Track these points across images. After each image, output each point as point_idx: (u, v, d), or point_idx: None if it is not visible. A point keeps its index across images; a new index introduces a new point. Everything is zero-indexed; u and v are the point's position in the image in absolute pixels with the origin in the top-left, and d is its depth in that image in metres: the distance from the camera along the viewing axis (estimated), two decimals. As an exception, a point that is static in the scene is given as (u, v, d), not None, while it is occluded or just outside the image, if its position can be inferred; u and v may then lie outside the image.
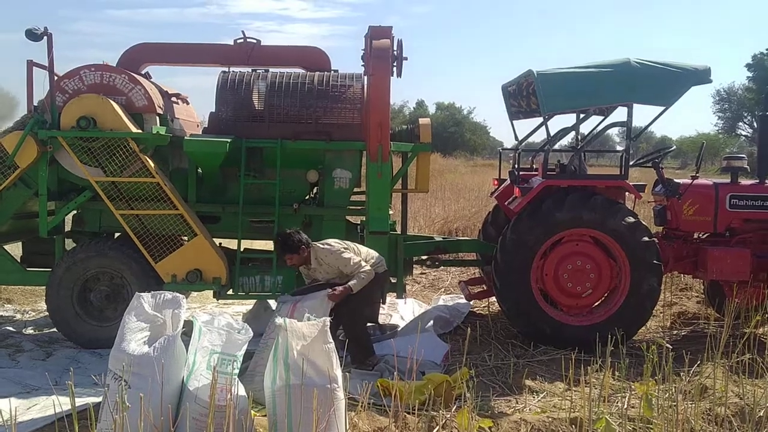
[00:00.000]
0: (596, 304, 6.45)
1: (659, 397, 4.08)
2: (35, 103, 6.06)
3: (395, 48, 6.15)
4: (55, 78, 6.00)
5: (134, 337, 3.72)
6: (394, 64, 6.14)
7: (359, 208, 6.65)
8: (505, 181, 7.24)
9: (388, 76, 6.01)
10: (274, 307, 6.00)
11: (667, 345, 4.35)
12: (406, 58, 6.23)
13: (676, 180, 6.85)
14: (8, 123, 6.38)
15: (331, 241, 5.63)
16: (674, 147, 8.12)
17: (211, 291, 6.35)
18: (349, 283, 5.37)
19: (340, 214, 6.47)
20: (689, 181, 6.70)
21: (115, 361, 3.64)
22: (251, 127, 6.36)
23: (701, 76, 6.24)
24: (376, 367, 5.51)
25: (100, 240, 6.26)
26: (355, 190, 6.67)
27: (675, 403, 3.91)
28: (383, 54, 5.98)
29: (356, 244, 5.73)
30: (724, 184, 6.74)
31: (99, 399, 4.04)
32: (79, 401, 4.09)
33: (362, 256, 5.60)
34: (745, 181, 6.94)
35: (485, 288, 7.22)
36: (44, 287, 6.16)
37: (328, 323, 3.78)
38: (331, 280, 5.54)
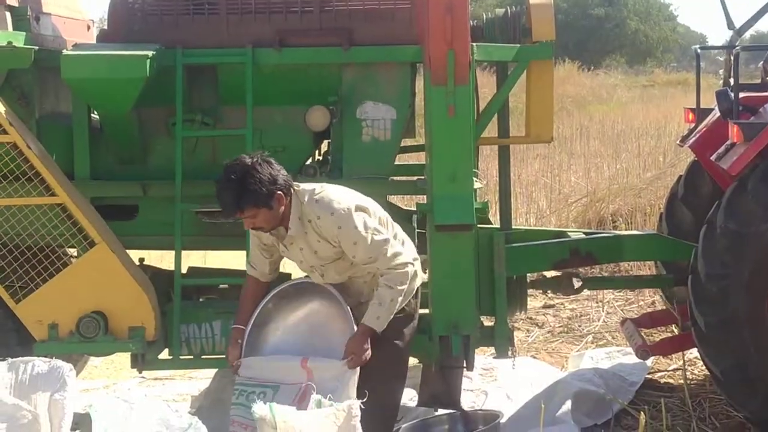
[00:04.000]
0: None
1: None
2: None
3: None
4: None
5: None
6: None
7: (413, 179, 6.68)
8: (710, 113, 7.15)
9: None
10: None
11: None
12: None
13: None
14: None
15: (343, 192, 5.48)
16: None
17: (128, 354, 6.41)
18: (370, 313, 5.27)
19: (377, 191, 6.43)
20: None
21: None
22: (192, 26, 6.45)
23: None
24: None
25: None
26: (404, 144, 6.67)
27: None
28: None
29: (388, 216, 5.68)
30: None
31: None
32: None
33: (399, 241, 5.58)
34: None
35: (677, 331, 7.15)
36: None
37: (358, 409, 3.78)
38: (326, 276, 5.51)
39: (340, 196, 5.29)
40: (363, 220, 5.21)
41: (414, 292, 5.48)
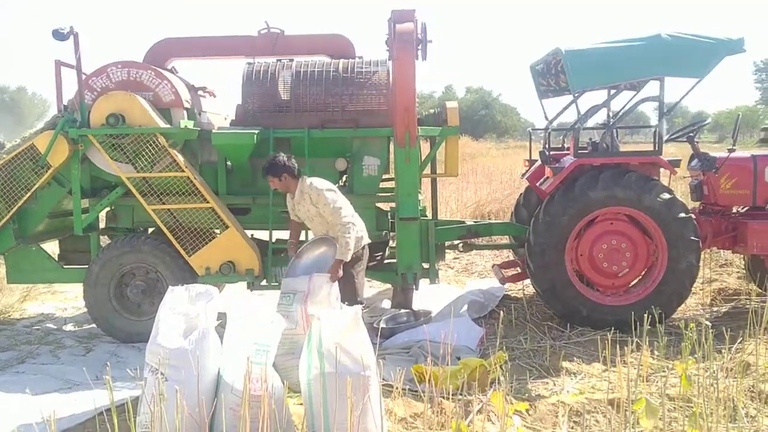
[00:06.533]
0: (633, 283, 6.37)
1: (700, 375, 4.01)
2: (65, 103, 6.16)
3: (419, 31, 6.10)
4: (83, 76, 6.08)
5: (169, 331, 3.76)
6: (419, 47, 6.11)
7: (389, 194, 6.64)
8: (536, 162, 7.17)
9: (413, 60, 5.98)
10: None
11: (707, 322, 4.27)
12: (430, 41, 6.20)
13: (711, 153, 6.70)
14: (39, 124, 6.47)
15: (324, 182, 5.46)
16: (709, 120, 7.98)
17: (245, 282, 6.40)
18: (338, 251, 5.26)
19: (370, 201, 6.46)
20: (726, 154, 6.55)
21: (152, 354, 3.69)
22: (278, 117, 6.38)
23: (734, 45, 6.07)
24: (411, 351, 5.51)
25: (133, 236, 6.34)
26: (384, 176, 6.66)
27: (716, 381, 3.84)
28: (407, 38, 5.95)
29: (348, 202, 5.54)
30: (762, 156, 6.57)
31: (137, 392, 4.11)
32: (118, 395, 4.17)
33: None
34: (784, 152, 6.76)
35: (519, 271, 7.18)
36: (81, 284, 6.28)
37: (360, 311, 3.78)
38: (316, 228, 5.53)
39: (321, 183, 5.39)
40: (331, 196, 5.31)
41: (361, 244, 5.44)
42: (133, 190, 6.04)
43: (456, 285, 8.20)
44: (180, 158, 6.03)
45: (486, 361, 4.73)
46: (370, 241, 5.66)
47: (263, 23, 6.71)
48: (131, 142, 5.94)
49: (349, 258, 5.28)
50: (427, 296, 7.20)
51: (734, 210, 6.83)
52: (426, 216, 6.71)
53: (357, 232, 5.37)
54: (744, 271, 7.65)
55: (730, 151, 6.52)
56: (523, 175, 7.46)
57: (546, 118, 7.34)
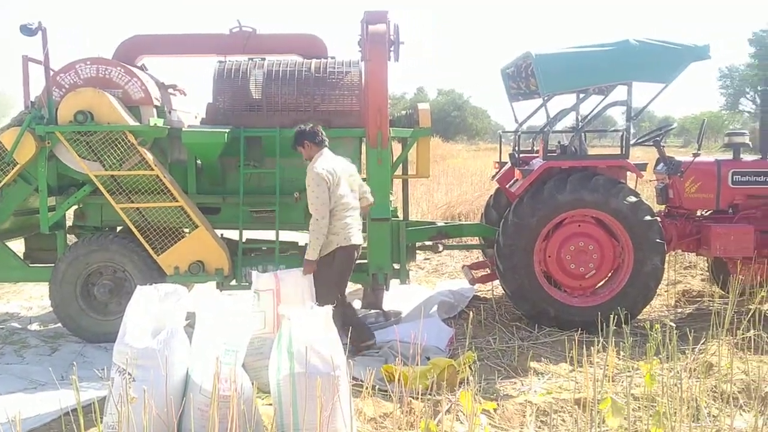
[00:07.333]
0: (600, 284, 6.45)
1: (664, 375, 4.08)
2: (32, 99, 6.05)
3: (392, 32, 6.11)
4: (51, 73, 5.98)
5: (137, 331, 3.73)
6: (391, 48, 6.12)
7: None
8: (506, 164, 7.23)
9: (385, 61, 5.99)
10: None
11: (671, 323, 4.35)
12: (402, 43, 6.20)
13: (677, 158, 6.82)
14: (5, 120, 6.36)
15: (323, 169, 5.24)
16: (675, 125, 8.09)
17: (215, 282, 6.34)
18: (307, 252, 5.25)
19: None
20: (691, 158, 6.67)
21: (119, 354, 3.65)
22: (249, 116, 6.34)
23: (700, 52, 6.19)
24: (381, 352, 5.52)
25: (101, 234, 6.25)
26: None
27: (680, 381, 3.91)
28: (379, 39, 5.95)
29: (348, 194, 5.41)
30: (726, 161, 6.71)
31: (104, 393, 4.06)
32: (85, 395, 4.10)
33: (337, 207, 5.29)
34: (747, 157, 6.90)
35: (489, 271, 7.22)
36: (47, 283, 6.17)
37: (331, 312, 3.78)
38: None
39: (322, 168, 5.25)
40: (316, 182, 5.19)
41: (332, 246, 5.29)
42: (101, 189, 5.95)
43: (426, 285, 8.22)
44: (149, 156, 5.96)
45: (455, 361, 4.76)
46: (357, 244, 5.47)
47: (235, 22, 6.69)
48: (100, 140, 5.86)
49: (313, 257, 5.23)
50: (397, 297, 7.22)
51: (698, 213, 6.95)
52: (397, 217, 6.72)
53: (341, 231, 5.27)
54: (707, 274, 7.80)
55: (695, 155, 6.64)
56: (493, 177, 7.52)
57: (516, 121, 7.41)
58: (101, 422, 3.49)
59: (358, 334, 5.44)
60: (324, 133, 5.49)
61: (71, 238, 6.62)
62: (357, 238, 5.43)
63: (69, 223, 6.68)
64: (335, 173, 5.27)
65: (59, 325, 6.35)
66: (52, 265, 6.19)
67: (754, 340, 5.08)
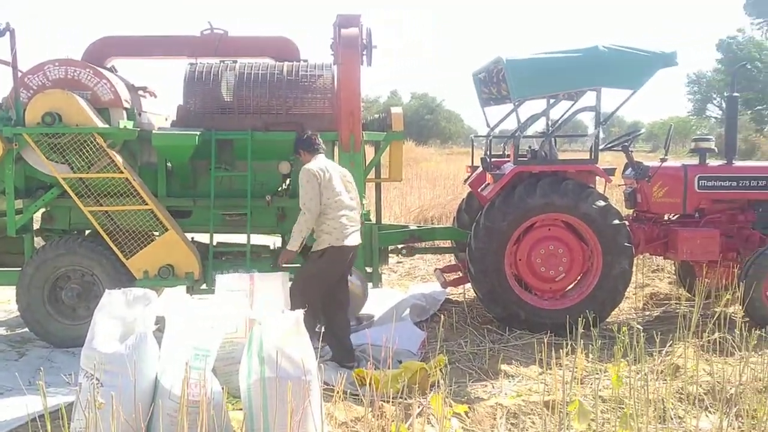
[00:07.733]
0: (569, 287, 6.52)
1: (631, 377, 4.13)
2: (-1, 100, 5.96)
3: (364, 36, 6.12)
4: (19, 74, 5.89)
5: (105, 335, 3.68)
6: (364, 52, 6.13)
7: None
8: (477, 168, 7.27)
9: (358, 65, 6.00)
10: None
11: (639, 326, 4.40)
12: (375, 47, 6.22)
13: (645, 163, 6.92)
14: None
15: (315, 168, 5.22)
16: (643, 130, 8.23)
17: (185, 286, 6.29)
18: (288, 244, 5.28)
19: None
20: (658, 163, 6.77)
21: (87, 359, 3.61)
22: (220, 119, 6.30)
23: (668, 59, 6.29)
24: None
25: (69, 238, 6.16)
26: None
27: (647, 383, 3.96)
28: (352, 42, 5.96)
29: (343, 192, 5.32)
30: (692, 166, 6.83)
31: (72, 398, 4.00)
32: (52, 401, 4.04)
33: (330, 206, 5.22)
34: (713, 162, 7.03)
35: (461, 275, 7.24)
36: (14, 287, 6.06)
37: (302, 316, 3.77)
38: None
39: (314, 166, 5.25)
40: (306, 179, 5.18)
41: (322, 242, 5.23)
42: (69, 191, 5.86)
43: (399, 289, 8.23)
44: (118, 159, 5.89)
45: (427, 364, 4.78)
46: (351, 245, 5.33)
47: (207, 24, 6.65)
48: (68, 142, 5.78)
49: (293, 248, 5.22)
50: (369, 300, 7.21)
51: (666, 217, 7.07)
52: (370, 220, 6.72)
53: (334, 231, 5.21)
54: (674, 277, 7.92)
55: (663, 160, 6.74)
56: (466, 180, 7.55)
57: (488, 125, 7.46)
58: (69, 428, 3.43)
59: (342, 356, 5.40)
60: (320, 141, 5.48)
61: (39, 242, 6.51)
62: (352, 239, 5.32)
63: (36, 226, 6.57)
64: (326, 170, 5.26)
65: (26, 329, 6.23)
66: (19, 268, 6.08)
67: (720, 342, 5.17)
